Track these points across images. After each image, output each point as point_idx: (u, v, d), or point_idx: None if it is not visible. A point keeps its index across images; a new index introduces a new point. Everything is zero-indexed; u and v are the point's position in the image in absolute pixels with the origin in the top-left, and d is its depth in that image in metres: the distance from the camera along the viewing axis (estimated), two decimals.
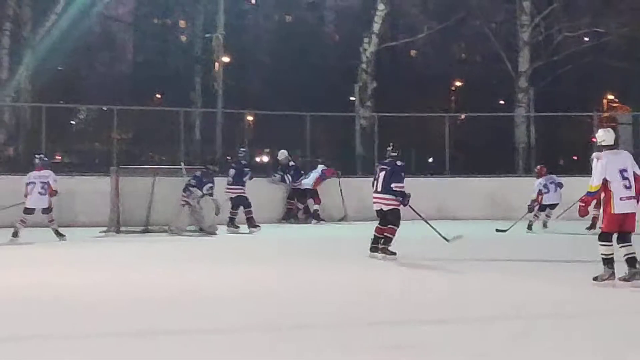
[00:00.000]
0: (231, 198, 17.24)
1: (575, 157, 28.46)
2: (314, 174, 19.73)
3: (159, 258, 12.66)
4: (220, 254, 13.31)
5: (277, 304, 8.37)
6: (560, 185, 17.02)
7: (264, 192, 18.91)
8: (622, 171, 9.24)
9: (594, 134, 13.77)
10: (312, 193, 19.50)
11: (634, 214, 9.24)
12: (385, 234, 11.98)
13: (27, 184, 14.80)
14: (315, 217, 19.32)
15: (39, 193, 14.69)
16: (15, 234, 14.38)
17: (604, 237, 9.26)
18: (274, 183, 19.74)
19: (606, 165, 9.22)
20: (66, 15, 23.75)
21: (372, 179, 12.44)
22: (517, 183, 19.77)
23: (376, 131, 21.64)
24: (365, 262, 11.70)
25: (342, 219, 19.42)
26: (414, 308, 8.25)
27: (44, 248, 13.93)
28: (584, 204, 9.54)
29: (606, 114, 29.66)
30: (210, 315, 7.77)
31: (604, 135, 9.50)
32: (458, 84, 36.41)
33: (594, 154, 9.56)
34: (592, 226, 15.45)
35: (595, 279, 9.26)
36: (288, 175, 19.62)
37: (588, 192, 9.39)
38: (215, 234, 16.08)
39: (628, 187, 9.19)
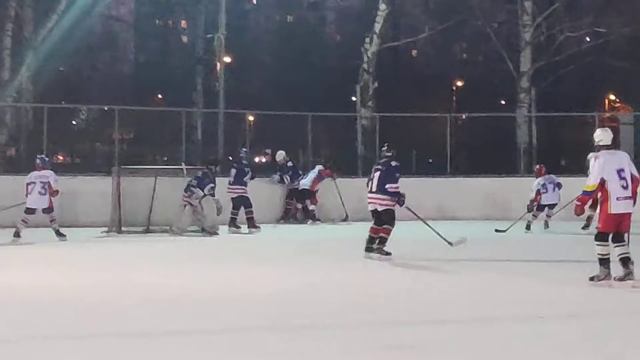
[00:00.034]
0: (232, 198, 17.27)
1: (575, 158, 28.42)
2: (312, 175, 19.73)
3: (160, 258, 12.67)
4: (221, 254, 13.31)
5: (278, 304, 8.37)
6: (559, 185, 17.00)
7: (263, 193, 18.92)
8: (620, 171, 9.25)
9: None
10: (309, 194, 19.50)
11: (630, 214, 9.26)
12: (380, 234, 11.95)
13: (28, 184, 14.83)
14: (312, 217, 19.32)
15: (39, 193, 14.71)
16: (17, 234, 14.40)
17: (601, 237, 9.26)
18: (273, 183, 19.76)
19: (604, 165, 9.23)
20: (68, 15, 23.79)
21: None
22: (518, 183, 19.68)
23: (377, 131, 21.62)
24: (365, 262, 11.70)
25: (344, 221, 19.39)
26: (414, 308, 8.27)
27: (45, 248, 13.94)
28: (580, 203, 9.53)
29: (608, 114, 29.62)
30: (210, 315, 7.78)
31: (601, 135, 9.50)
32: (459, 84, 36.40)
33: (591, 154, 9.58)
34: (587, 226, 15.43)
35: (591, 279, 9.28)
36: (286, 175, 19.64)
37: (584, 191, 9.39)
38: (217, 234, 16.10)
39: (625, 187, 9.20)
